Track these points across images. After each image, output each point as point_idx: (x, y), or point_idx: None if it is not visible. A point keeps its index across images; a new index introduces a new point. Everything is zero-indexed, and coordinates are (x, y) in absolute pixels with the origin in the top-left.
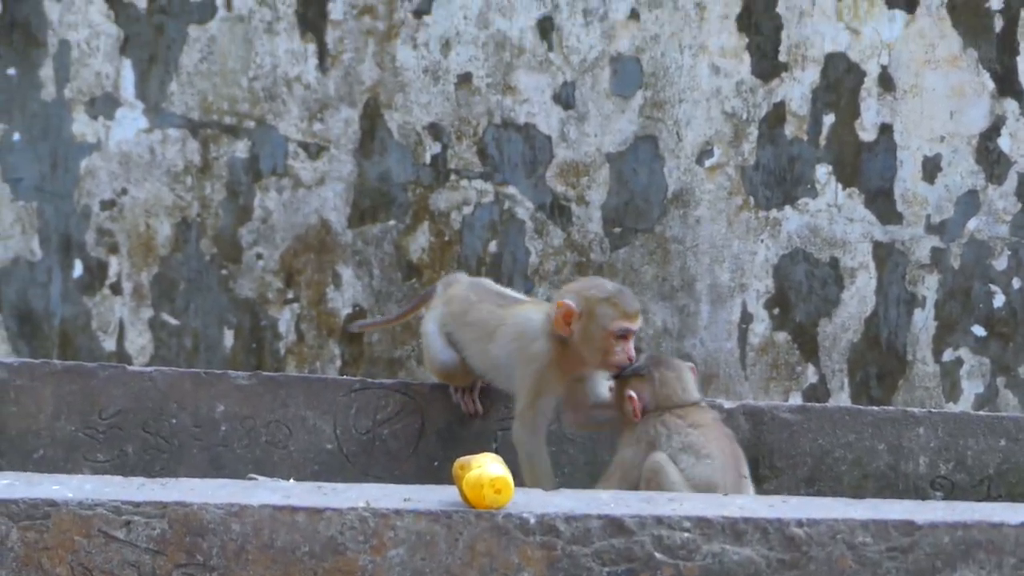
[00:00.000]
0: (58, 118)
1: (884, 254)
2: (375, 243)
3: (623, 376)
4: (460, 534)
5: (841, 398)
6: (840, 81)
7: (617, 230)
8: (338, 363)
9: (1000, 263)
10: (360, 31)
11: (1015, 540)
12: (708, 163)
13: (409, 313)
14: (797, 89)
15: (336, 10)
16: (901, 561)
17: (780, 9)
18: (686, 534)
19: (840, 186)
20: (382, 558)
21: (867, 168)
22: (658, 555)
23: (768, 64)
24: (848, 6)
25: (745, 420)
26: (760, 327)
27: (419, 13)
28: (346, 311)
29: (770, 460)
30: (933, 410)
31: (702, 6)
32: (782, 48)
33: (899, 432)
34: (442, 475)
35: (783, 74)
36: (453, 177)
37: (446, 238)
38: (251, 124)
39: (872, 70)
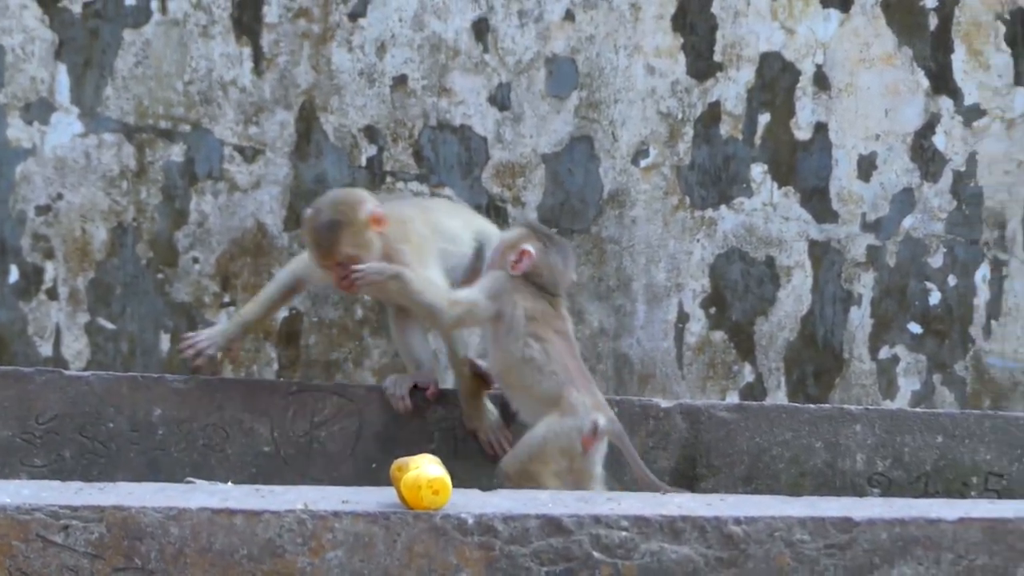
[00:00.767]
0: None
1: (820, 252)
2: None
3: (530, 228)
4: (398, 535)
5: (778, 396)
6: (775, 80)
7: (553, 231)
8: (275, 366)
9: (936, 260)
10: (295, 34)
11: (952, 536)
12: (644, 163)
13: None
14: (732, 89)
15: (271, 13)
16: (839, 558)
17: (715, 9)
18: (624, 533)
19: (776, 185)
20: (320, 560)
21: (802, 167)
22: (596, 554)
23: (703, 64)
24: (783, 6)
25: (682, 419)
26: (696, 326)
27: (354, 16)
28: (283, 314)
29: (707, 459)
30: (870, 407)
31: (637, 7)
32: (717, 48)
33: (836, 430)
34: (380, 477)
35: (718, 74)
36: (389, 179)
37: None
38: (186, 128)
39: (807, 69)
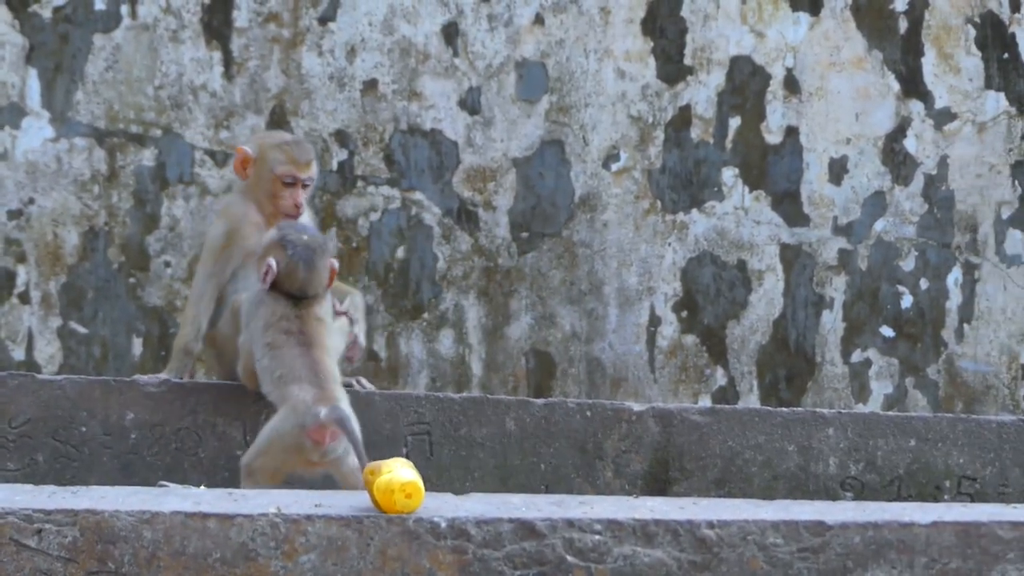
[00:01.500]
0: None
1: (791, 256)
2: None
3: (278, 234)
4: (371, 539)
5: (750, 400)
6: (745, 84)
7: (524, 235)
8: None
9: (907, 264)
10: (265, 38)
11: (925, 540)
12: (615, 167)
13: None
14: (703, 92)
15: (241, 18)
16: (812, 561)
17: (685, 13)
18: (597, 536)
19: (747, 189)
20: (293, 563)
21: (773, 171)
22: (569, 558)
23: (673, 68)
24: (752, 9)
25: (655, 423)
26: (668, 330)
27: (324, 20)
28: None
29: (680, 462)
30: (842, 411)
31: (607, 10)
32: (687, 52)
33: (809, 433)
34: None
35: (688, 77)
36: (360, 184)
37: (353, 244)
38: (157, 132)
39: (777, 73)
